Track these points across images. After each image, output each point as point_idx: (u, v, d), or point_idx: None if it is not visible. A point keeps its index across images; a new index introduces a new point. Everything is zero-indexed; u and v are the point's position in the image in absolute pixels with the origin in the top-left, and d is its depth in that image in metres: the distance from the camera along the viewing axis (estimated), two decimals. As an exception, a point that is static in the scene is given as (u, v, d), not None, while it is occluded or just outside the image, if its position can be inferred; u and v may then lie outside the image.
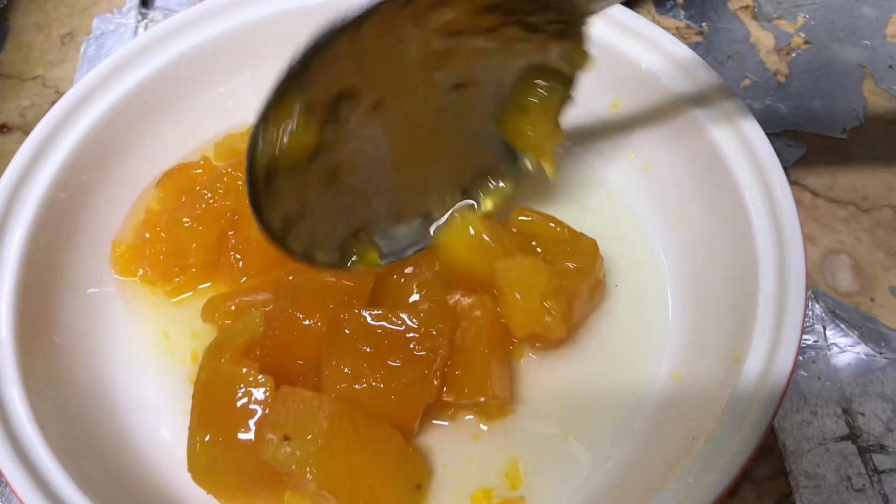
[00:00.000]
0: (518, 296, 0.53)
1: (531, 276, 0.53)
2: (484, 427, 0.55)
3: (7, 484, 0.47)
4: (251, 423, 0.51)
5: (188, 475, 0.51)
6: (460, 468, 0.54)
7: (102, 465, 0.53)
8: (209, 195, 0.60)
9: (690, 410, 0.53)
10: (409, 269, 0.58)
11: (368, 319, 0.52)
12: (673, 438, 0.52)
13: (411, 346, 0.52)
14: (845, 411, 0.57)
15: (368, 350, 0.52)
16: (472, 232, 0.56)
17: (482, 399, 0.52)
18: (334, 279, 0.56)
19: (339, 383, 0.51)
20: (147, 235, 0.61)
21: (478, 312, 0.54)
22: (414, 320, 0.52)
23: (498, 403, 0.54)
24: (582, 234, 0.57)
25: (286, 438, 0.48)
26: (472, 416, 0.55)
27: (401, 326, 0.52)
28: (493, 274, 0.54)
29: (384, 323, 0.52)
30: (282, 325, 0.54)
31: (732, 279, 0.55)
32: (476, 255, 0.55)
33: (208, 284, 0.62)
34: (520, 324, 0.53)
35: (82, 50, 0.77)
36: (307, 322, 0.54)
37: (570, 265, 0.55)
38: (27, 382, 0.52)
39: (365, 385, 0.51)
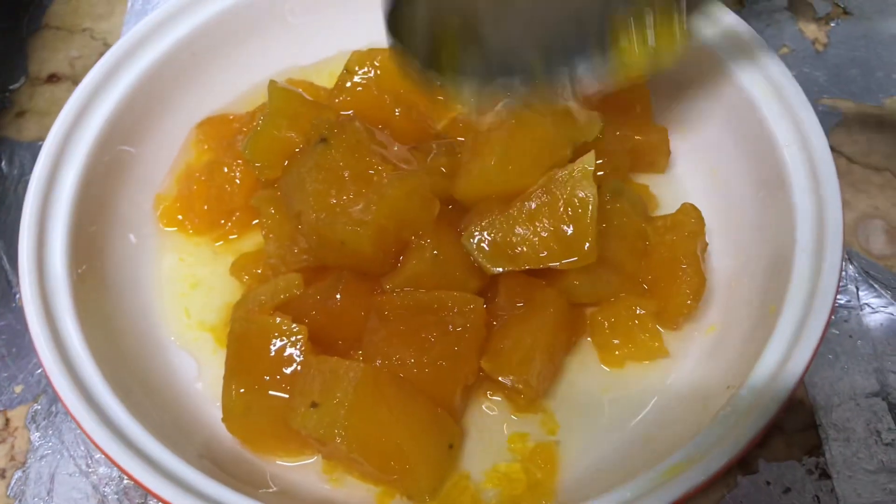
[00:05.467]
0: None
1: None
2: (515, 418, 0.55)
3: (66, 409, 0.49)
4: (287, 371, 0.52)
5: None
6: (497, 429, 0.55)
7: (150, 397, 0.54)
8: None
9: (725, 361, 0.54)
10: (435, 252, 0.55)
11: (404, 299, 0.53)
12: (707, 389, 0.53)
13: (448, 325, 0.52)
14: (876, 370, 0.57)
15: (403, 328, 0.52)
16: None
17: (511, 379, 0.52)
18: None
19: (377, 360, 0.52)
20: (194, 188, 0.62)
21: (548, 299, 0.55)
22: (448, 301, 0.53)
23: (530, 395, 0.53)
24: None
25: (314, 405, 0.49)
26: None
27: (435, 305, 0.53)
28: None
29: (419, 302, 0.53)
30: (326, 310, 0.54)
31: (770, 235, 0.56)
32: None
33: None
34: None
35: (129, 4, 0.79)
36: (352, 308, 0.54)
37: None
38: (80, 314, 0.53)
39: (400, 362, 0.51)
